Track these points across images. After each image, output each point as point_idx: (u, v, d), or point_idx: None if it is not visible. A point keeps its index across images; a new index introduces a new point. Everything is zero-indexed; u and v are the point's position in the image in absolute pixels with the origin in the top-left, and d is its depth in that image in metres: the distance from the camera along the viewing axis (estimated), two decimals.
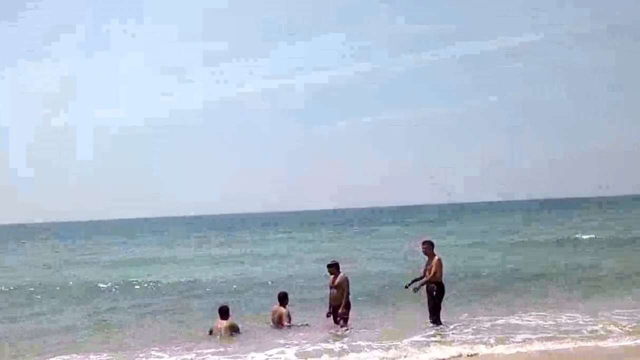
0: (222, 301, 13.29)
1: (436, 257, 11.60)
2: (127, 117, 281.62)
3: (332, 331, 11.63)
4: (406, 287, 11.84)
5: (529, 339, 10.42)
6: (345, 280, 11.83)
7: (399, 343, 10.37)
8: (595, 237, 32.27)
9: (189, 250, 38.29)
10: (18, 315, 15.40)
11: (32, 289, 20.05)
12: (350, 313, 11.95)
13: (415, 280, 11.80)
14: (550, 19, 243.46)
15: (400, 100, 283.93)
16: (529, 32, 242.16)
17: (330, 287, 11.90)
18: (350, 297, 11.93)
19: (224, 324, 11.71)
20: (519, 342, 10.24)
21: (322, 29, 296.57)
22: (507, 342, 10.27)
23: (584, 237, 32.94)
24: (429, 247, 11.75)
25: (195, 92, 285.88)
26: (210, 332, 11.80)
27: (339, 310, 11.76)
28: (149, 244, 47.03)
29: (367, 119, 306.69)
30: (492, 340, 10.36)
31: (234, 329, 11.75)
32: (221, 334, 11.58)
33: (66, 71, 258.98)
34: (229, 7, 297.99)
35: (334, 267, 11.93)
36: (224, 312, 11.90)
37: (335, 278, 11.81)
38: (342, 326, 11.73)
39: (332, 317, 11.97)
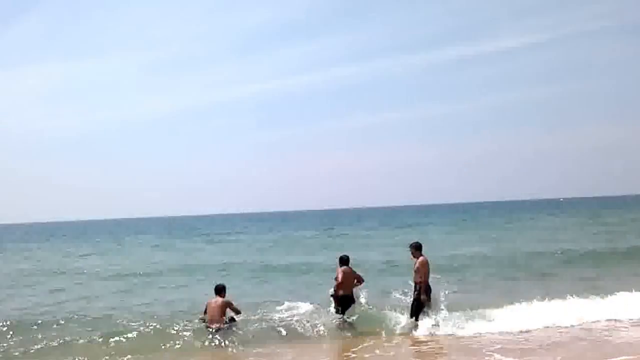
0: None
1: (419, 259, 11.67)
2: (124, 118, 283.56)
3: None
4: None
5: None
6: (349, 273, 12.18)
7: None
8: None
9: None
10: None
11: None
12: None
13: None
14: (554, 19, 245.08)
15: (398, 100, 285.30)
16: (534, 33, 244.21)
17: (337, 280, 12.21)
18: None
19: (218, 301, 11.73)
20: None
21: (319, 30, 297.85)
22: None
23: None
24: (415, 250, 11.83)
25: (191, 93, 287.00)
26: (206, 309, 11.79)
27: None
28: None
29: (366, 119, 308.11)
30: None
31: (228, 306, 11.78)
32: (215, 310, 11.60)
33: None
34: (225, 9, 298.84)
35: (344, 261, 12.32)
36: (219, 290, 11.90)
37: (346, 272, 12.18)
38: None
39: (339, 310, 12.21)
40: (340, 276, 12.10)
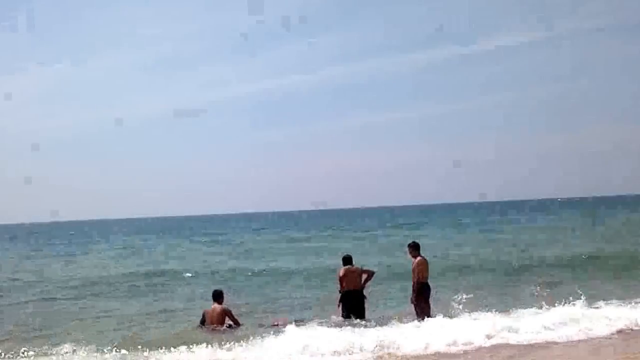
0: None
1: (416, 259, 11.55)
2: (122, 117, 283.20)
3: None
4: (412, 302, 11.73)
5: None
6: (351, 271, 12.08)
7: None
8: None
9: None
10: None
11: None
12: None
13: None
14: (551, 18, 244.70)
15: (397, 99, 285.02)
16: (529, 31, 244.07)
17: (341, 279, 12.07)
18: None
19: (217, 309, 11.53)
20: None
21: (316, 28, 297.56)
22: None
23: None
24: (413, 250, 11.70)
25: (187, 92, 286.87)
26: (203, 318, 11.59)
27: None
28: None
29: (365, 118, 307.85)
30: None
31: (227, 314, 11.55)
32: (215, 318, 11.42)
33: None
34: (221, 8, 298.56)
35: (347, 260, 12.18)
36: (217, 296, 11.68)
37: (347, 270, 12.05)
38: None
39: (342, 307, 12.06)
40: (340, 272, 12.03)
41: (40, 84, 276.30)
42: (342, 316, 11.89)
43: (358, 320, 11.56)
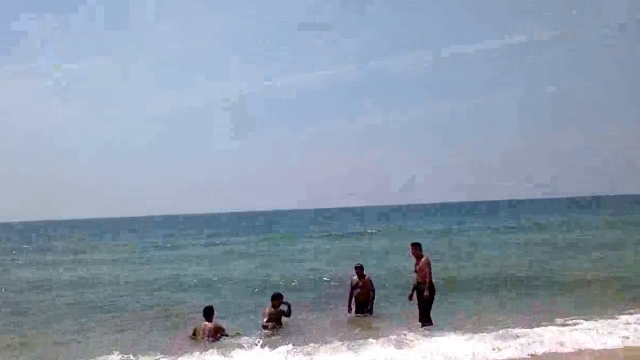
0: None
1: (424, 258, 11.53)
2: (126, 117, 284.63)
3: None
4: (410, 298, 11.93)
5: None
6: (370, 281, 13.26)
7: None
8: None
9: None
10: None
11: None
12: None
13: (414, 287, 11.80)
14: (562, 16, 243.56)
15: (404, 99, 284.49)
16: (532, 32, 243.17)
17: (357, 287, 13.16)
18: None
19: (209, 325, 11.33)
20: None
21: (326, 27, 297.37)
22: None
23: None
24: (416, 249, 11.72)
25: (196, 92, 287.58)
26: (194, 334, 11.38)
27: (368, 306, 13.12)
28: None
29: (364, 120, 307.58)
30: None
31: (220, 331, 11.36)
32: (206, 336, 11.18)
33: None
34: (229, 7, 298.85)
35: (360, 269, 13.26)
36: (208, 313, 11.49)
37: (362, 278, 13.17)
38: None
39: (355, 311, 13.17)
40: (356, 282, 13.20)
41: (49, 82, 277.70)
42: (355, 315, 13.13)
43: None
